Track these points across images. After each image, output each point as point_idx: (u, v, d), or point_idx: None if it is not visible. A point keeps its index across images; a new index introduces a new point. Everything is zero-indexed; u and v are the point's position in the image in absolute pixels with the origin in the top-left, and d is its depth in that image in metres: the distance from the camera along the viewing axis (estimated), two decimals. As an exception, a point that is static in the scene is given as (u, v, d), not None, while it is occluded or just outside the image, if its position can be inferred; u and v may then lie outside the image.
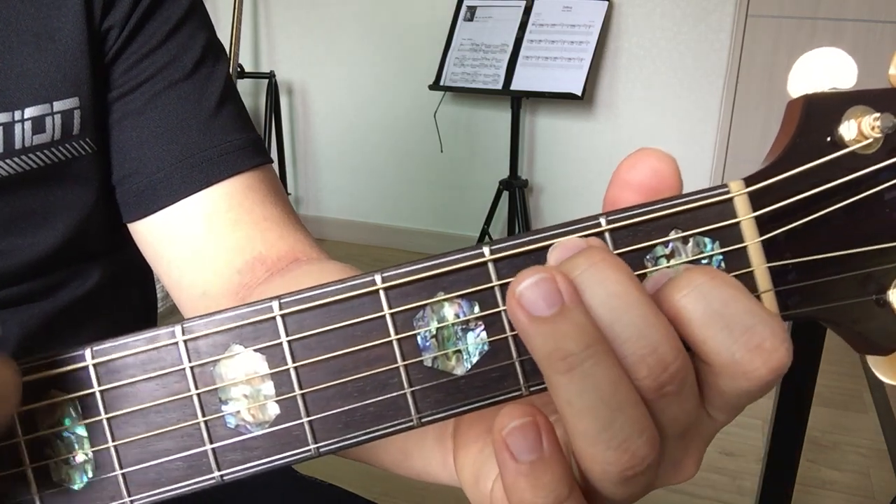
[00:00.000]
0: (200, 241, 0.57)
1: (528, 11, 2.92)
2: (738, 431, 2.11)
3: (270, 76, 3.18)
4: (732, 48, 2.83)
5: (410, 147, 3.34)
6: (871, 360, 0.31)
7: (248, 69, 3.33)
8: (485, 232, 3.08)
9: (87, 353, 0.31)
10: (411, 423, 0.29)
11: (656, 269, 0.29)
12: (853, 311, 0.29)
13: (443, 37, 2.98)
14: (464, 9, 3.00)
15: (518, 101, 2.94)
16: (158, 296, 0.79)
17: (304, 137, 3.51)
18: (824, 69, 0.29)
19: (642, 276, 0.29)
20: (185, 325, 0.30)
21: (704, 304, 0.27)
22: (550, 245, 0.29)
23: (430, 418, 0.29)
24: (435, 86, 2.96)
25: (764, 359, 0.26)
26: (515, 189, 2.97)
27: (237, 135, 0.59)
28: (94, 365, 0.31)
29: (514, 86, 2.85)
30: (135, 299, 0.71)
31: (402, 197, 3.44)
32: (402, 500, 1.84)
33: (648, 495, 0.30)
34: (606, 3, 2.82)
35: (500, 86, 2.87)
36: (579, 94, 2.74)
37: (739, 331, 0.26)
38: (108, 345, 0.31)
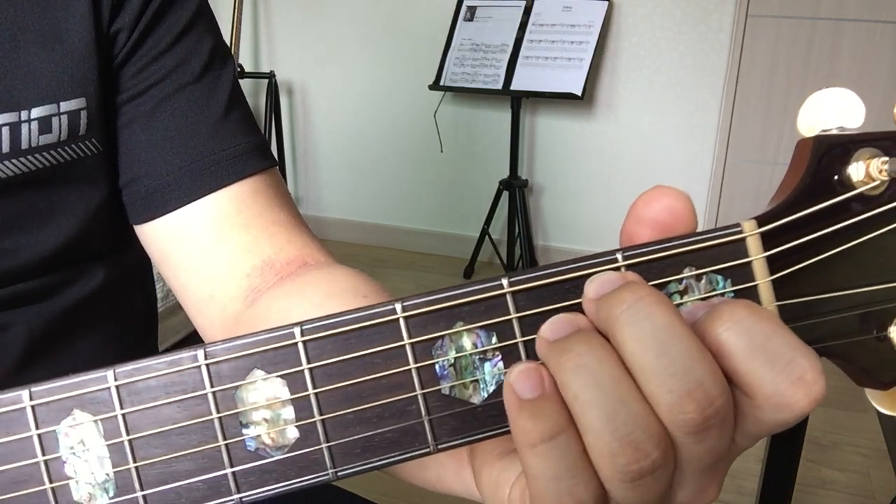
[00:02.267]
0: (209, 245, 0.57)
1: (528, 11, 2.92)
2: (738, 432, 2.11)
3: (270, 76, 3.18)
4: (732, 48, 2.84)
5: (410, 147, 3.34)
6: (870, 393, 0.32)
7: (248, 69, 3.33)
8: (485, 232, 3.08)
9: (110, 374, 0.31)
10: (428, 450, 0.30)
11: (681, 303, 0.30)
12: (855, 346, 0.30)
13: (443, 37, 2.99)
14: (464, 9, 3.00)
15: (518, 101, 2.94)
16: (158, 296, 0.79)
17: (304, 137, 3.51)
18: (834, 109, 0.30)
19: None
20: (207, 350, 0.31)
21: (748, 338, 0.27)
22: (567, 279, 0.29)
23: (446, 445, 0.30)
24: (435, 86, 2.96)
25: (805, 391, 0.27)
26: (515, 189, 2.98)
27: (245, 138, 0.59)
28: (117, 387, 0.31)
29: (514, 86, 2.86)
30: (138, 300, 0.71)
31: (402, 197, 3.45)
32: (402, 500, 1.85)
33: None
34: (606, 3, 2.83)
35: (500, 86, 2.88)
36: (579, 94, 2.75)
37: (782, 364, 0.27)
38: (130, 367, 0.31)
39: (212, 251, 0.57)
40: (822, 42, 2.76)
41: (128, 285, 0.67)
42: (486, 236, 3.10)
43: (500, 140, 3.14)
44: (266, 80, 3.19)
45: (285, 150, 3.38)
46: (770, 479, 1.50)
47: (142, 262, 0.69)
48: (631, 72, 2.98)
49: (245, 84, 3.36)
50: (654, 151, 3.04)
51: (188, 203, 0.57)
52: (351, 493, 0.75)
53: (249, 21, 3.35)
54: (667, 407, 0.27)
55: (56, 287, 0.59)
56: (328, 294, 0.53)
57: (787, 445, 1.45)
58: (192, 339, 1.96)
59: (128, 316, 0.69)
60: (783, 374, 0.27)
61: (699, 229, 0.30)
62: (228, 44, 2.91)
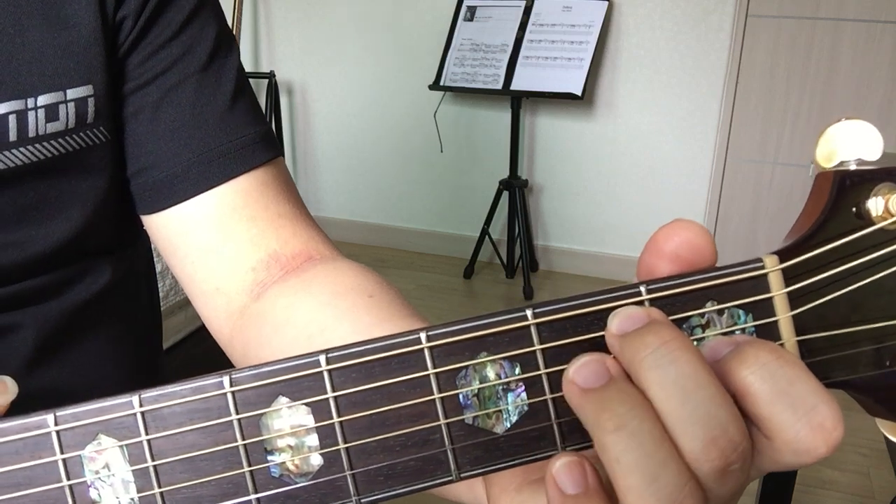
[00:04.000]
0: (216, 237, 0.57)
1: (528, 11, 2.92)
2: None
3: (270, 76, 3.18)
4: (732, 48, 2.84)
5: (410, 147, 3.34)
6: (881, 423, 0.32)
7: (248, 69, 3.33)
8: (485, 232, 3.09)
9: (135, 400, 0.32)
10: (451, 478, 0.30)
11: (703, 337, 0.30)
12: (869, 378, 0.31)
13: (443, 37, 2.99)
14: (464, 9, 3.00)
15: (518, 101, 2.95)
16: (160, 294, 0.79)
17: (304, 137, 3.51)
18: (852, 141, 0.30)
19: None
20: (233, 376, 0.31)
21: (772, 383, 0.28)
22: (592, 311, 0.30)
23: (469, 474, 0.30)
24: (435, 86, 2.97)
25: (825, 437, 0.27)
26: (515, 189, 2.99)
27: (252, 128, 0.58)
28: (142, 412, 0.32)
29: (514, 86, 2.86)
30: (143, 298, 0.71)
31: (402, 197, 3.45)
32: (401, 500, 1.85)
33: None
34: (606, 3, 2.83)
35: (500, 86, 2.88)
36: (579, 94, 2.76)
37: (804, 410, 0.27)
38: (156, 393, 0.32)
39: (218, 244, 0.57)
40: (822, 42, 2.76)
41: (133, 283, 0.67)
42: (486, 236, 3.11)
43: (500, 140, 3.14)
44: (266, 80, 3.20)
45: (285, 151, 3.39)
46: (770, 479, 1.50)
47: (146, 260, 0.69)
48: (631, 72, 2.98)
49: (245, 84, 3.36)
50: (654, 151, 3.04)
51: (196, 195, 0.56)
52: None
53: (249, 21, 3.35)
54: (692, 454, 0.27)
55: (64, 285, 0.59)
56: (334, 292, 0.53)
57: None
58: (194, 337, 1.96)
59: (134, 314, 0.68)
60: (804, 421, 0.27)
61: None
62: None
